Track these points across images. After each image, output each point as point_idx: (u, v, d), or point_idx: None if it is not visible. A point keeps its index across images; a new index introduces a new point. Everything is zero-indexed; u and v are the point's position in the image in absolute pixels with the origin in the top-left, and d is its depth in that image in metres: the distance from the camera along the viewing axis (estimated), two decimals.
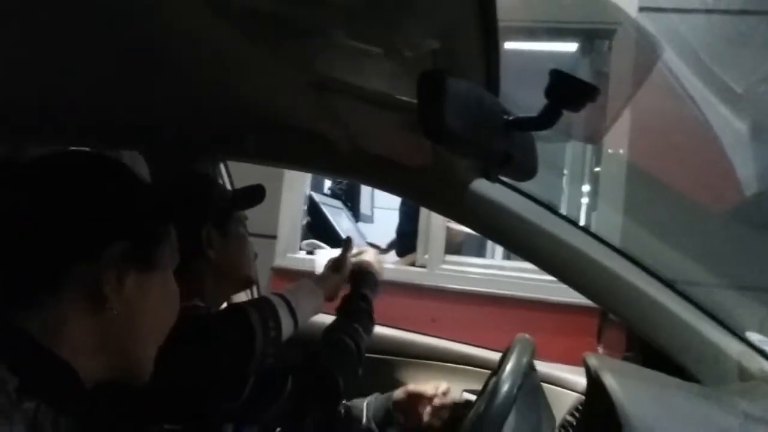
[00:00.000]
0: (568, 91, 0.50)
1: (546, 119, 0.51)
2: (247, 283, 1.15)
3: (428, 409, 1.22)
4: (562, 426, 1.14)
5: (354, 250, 1.30)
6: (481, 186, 1.00)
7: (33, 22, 0.57)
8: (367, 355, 1.37)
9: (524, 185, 1.03)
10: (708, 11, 2.19)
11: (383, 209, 3.69)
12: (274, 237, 2.47)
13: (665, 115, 2.12)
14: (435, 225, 2.28)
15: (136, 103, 0.86)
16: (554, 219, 1.03)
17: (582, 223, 2.50)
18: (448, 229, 2.31)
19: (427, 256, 2.29)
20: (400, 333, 1.51)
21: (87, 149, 0.84)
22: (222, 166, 1.34)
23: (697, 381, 0.93)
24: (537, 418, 0.97)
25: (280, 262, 2.46)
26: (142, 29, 0.58)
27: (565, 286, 1.04)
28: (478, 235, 2.22)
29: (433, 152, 0.87)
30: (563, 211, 2.29)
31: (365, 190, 3.61)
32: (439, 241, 2.27)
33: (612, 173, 2.34)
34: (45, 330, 0.53)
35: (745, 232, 1.82)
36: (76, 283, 0.54)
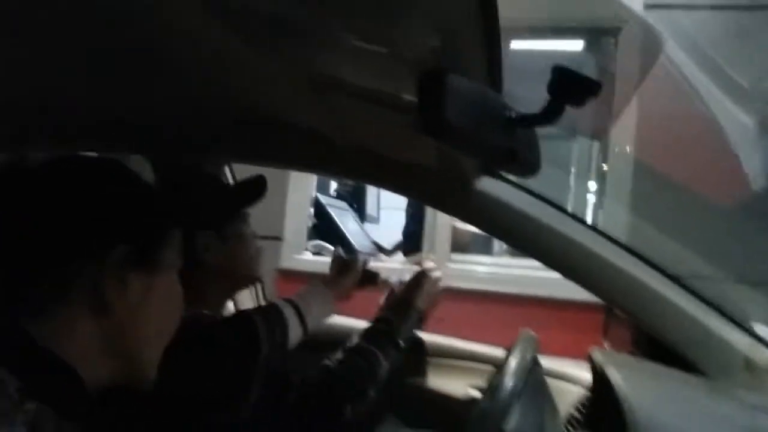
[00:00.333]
0: (570, 87, 0.50)
1: (549, 115, 0.52)
2: (251, 280, 1.13)
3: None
4: (568, 421, 1.14)
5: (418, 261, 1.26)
6: (487, 185, 1.00)
7: (25, 22, 0.57)
8: None
9: (530, 183, 1.03)
10: (713, 7, 2.18)
11: (389, 210, 3.69)
12: (279, 239, 2.48)
13: (672, 112, 2.12)
14: (441, 224, 2.28)
15: (134, 105, 0.86)
16: (560, 216, 1.03)
17: (589, 220, 2.49)
18: (455, 228, 2.31)
19: (433, 256, 2.30)
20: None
21: (90, 153, 0.85)
22: (226, 168, 1.35)
23: (703, 375, 0.93)
24: (541, 413, 0.98)
25: (285, 263, 2.47)
26: (138, 28, 0.58)
27: (570, 283, 1.04)
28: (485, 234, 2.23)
29: (438, 152, 0.88)
30: (570, 208, 2.28)
31: (371, 192, 3.62)
32: (445, 240, 2.27)
33: (619, 170, 2.33)
34: (49, 333, 0.53)
35: (752, 226, 1.81)
36: (80, 287, 0.55)
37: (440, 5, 0.45)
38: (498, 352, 1.35)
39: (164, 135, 1.03)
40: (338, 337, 1.11)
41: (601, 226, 2.28)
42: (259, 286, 1.58)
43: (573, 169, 2.89)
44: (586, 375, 1.17)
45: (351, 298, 1.21)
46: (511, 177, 1.02)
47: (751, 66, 1.94)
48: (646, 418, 0.74)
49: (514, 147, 0.52)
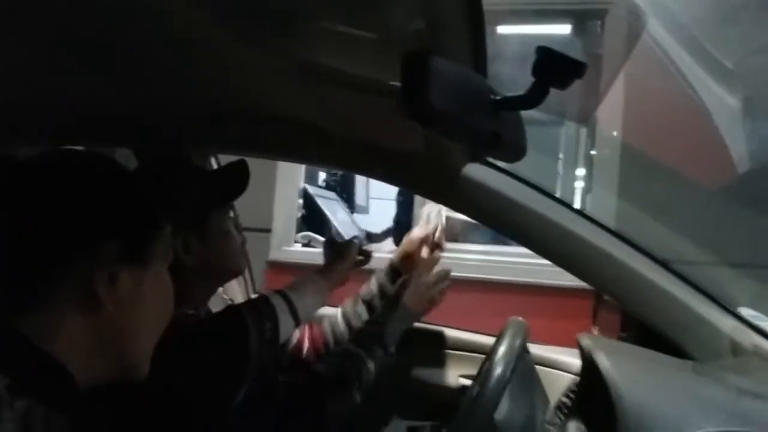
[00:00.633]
0: (554, 69, 0.49)
1: (533, 97, 0.51)
2: (236, 274, 1.11)
3: (423, 251, 1.23)
4: (558, 407, 1.14)
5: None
6: (474, 171, 0.99)
7: (22, 21, 0.56)
8: None
9: (518, 169, 1.03)
10: None
11: (379, 200, 3.68)
12: (268, 230, 2.47)
13: (658, 95, 2.12)
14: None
15: (125, 100, 0.85)
16: (548, 202, 1.02)
17: (578, 205, 2.50)
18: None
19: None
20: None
21: (77, 148, 0.83)
22: (212, 159, 1.33)
23: (691, 359, 0.94)
24: (530, 400, 0.98)
25: (275, 255, 2.46)
26: (129, 24, 0.57)
27: (559, 270, 1.04)
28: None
29: (423, 138, 0.87)
30: (559, 194, 2.29)
31: (360, 182, 3.61)
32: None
33: (606, 155, 2.34)
34: (40, 330, 0.53)
35: (738, 210, 1.83)
36: (70, 284, 0.54)
37: None
38: (488, 340, 1.35)
39: (156, 129, 1.02)
40: None
41: (589, 211, 2.29)
42: (249, 279, 1.56)
43: (561, 155, 2.90)
44: (575, 361, 1.17)
45: (346, 283, 1.18)
46: (499, 162, 1.01)
47: (734, 47, 1.94)
48: (635, 403, 0.74)
49: (498, 131, 0.51)
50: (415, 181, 1.10)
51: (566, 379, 1.26)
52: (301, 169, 2.61)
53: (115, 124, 0.98)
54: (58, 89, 0.80)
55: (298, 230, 2.58)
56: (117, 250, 0.56)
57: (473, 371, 1.25)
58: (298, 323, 0.98)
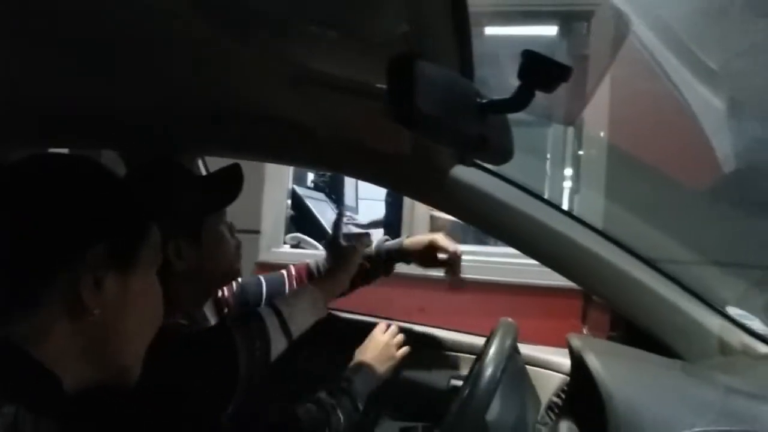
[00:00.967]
0: (540, 72, 0.49)
1: (519, 101, 0.51)
2: (232, 277, 1.10)
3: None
4: (549, 407, 1.15)
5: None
6: (462, 172, 0.99)
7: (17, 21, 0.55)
8: (355, 345, 1.37)
9: (506, 170, 1.03)
10: None
11: (367, 200, 3.68)
12: (257, 232, 2.45)
13: (644, 96, 2.14)
14: (418, 214, 2.28)
15: (110, 98, 0.85)
16: (535, 203, 1.03)
17: (565, 206, 2.51)
18: (433, 218, 2.31)
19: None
20: (386, 322, 1.51)
21: (63, 151, 0.83)
22: (200, 161, 1.32)
23: (680, 358, 0.95)
24: (521, 401, 0.98)
25: (264, 257, 2.44)
26: (116, 23, 0.56)
27: (548, 270, 1.04)
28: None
29: (411, 140, 0.87)
30: (546, 195, 2.30)
31: (349, 182, 3.60)
32: (422, 230, 2.27)
33: (593, 155, 2.35)
34: (27, 336, 0.52)
35: (724, 210, 1.85)
36: (56, 289, 0.53)
37: None
38: (479, 341, 1.35)
39: (146, 131, 1.01)
40: None
41: (576, 212, 2.30)
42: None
43: (548, 156, 2.91)
44: (566, 361, 1.18)
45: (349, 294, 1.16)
46: (486, 164, 1.01)
47: (719, 48, 1.96)
48: (624, 403, 0.74)
49: (485, 134, 0.51)
50: (404, 182, 1.10)
51: (557, 379, 1.27)
52: (290, 170, 2.60)
53: (106, 125, 0.97)
54: (55, 90, 0.79)
55: (287, 231, 2.57)
56: (103, 254, 0.55)
57: (464, 372, 1.26)
58: (290, 340, 0.96)
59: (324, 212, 2.84)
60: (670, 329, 0.97)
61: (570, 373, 1.10)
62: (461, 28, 0.52)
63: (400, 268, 2.40)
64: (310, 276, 1.28)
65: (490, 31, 2.46)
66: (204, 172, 1.34)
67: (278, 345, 0.94)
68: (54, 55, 0.65)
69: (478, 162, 1.01)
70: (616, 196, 2.11)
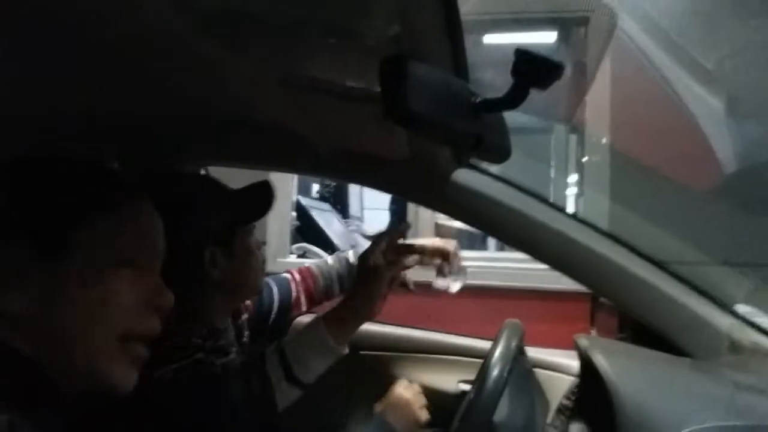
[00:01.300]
0: (533, 69, 0.50)
1: (513, 99, 0.51)
2: (255, 292, 1.10)
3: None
4: (559, 409, 1.14)
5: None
6: (465, 176, 1.00)
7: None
8: (362, 352, 1.37)
9: (511, 175, 1.03)
10: None
11: (372, 210, 3.69)
12: (263, 243, 2.46)
13: (644, 100, 2.14)
14: (423, 221, 2.28)
15: (108, 108, 0.85)
16: (539, 206, 1.03)
17: (571, 210, 2.50)
18: (438, 225, 2.31)
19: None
20: (394, 329, 1.51)
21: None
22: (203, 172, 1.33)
23: (690, 357, 0.94)
24: (530, 402, 0.98)
25: (270, 267, 2.44)
26: (110, 30, 0.57)
27: (556, 274, 1.04)
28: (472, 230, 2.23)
29: (410, 143, 0.87)
30: (552, 200, 2.29)
31: (354, 192, 3.61)
32: (427, 236, 2.26)
33: (596, 160, 2.35)
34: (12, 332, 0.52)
35: (729, 210, 1.84)
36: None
37: None
38: (486, 345, 1.35)
39: (144, 139, 1.02)
40: None
41: (582, 215, 2.29)
42: None
43: (553, 162, 2.91)
44: (575, 364, 1.17)
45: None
46: (492, 168, 1.02)
47: (713, 48, 1.96)
48: (633, 400, 0.74)
49: (480, 132, 0.52)
50: (406, 187, 1.11)
51: (567, 382, 1.26)
52: (294, 181, 2.61)
53: (97, 132, 0.97)
54: (51, 95, 0.79)
55: (293, 242, 2.58)
56: (26, 251, 0.53)
57: (472, 376, 1.25)
58: (303, 387, 0.94)
59: (329, 223, 2.85)
60: (680, 329, 0.96)
61: (579, 375, 1.09)
62: (453, 29, 0.53)
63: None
64: (317, 290, 1.26)
65: (489, 38, 2.47)
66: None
67: (288, 397, 0.93)
68: (52, 59, 0.66)
69: (484, 167, 1.01)
70: (621, 199, 2.11)
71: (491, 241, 2.98)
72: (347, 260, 1.28)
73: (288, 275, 1.29)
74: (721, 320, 0.96)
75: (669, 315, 0.97)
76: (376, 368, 1.43)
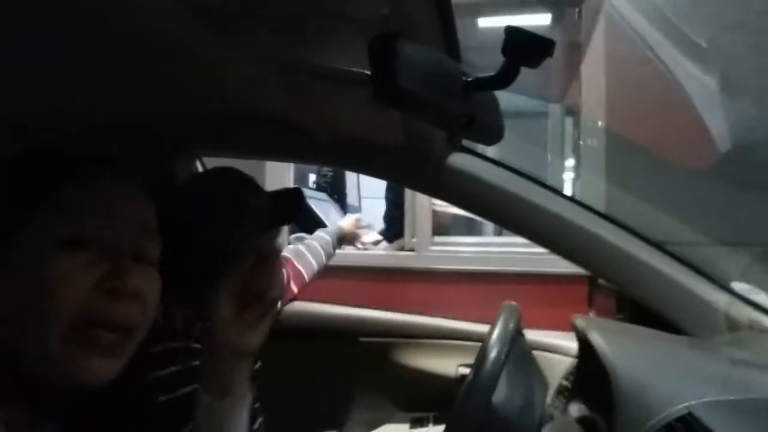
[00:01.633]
0: (523, 47, 0.49)
1: (505, 77, 0.51)
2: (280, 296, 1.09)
3: None
4: (558, 390, 1.15)
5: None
6: (460, 160, 0.99)
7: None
8: (362, 339, 1.38)
9: (509, 160, 1.03)
10: None
11: (370, 199, 3.68)
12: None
13: (639, 81, 2.13)
14: (420, 207, 2.27)
15: (108, 108, 0.85)
16: (536, 189, 1.03)
17: (568, 192, 2.50)
18: (435, 212, 2.31)
19: (414, 240, 2.29)
20: (393, 315, 1.51)
21: None
22: (198, 162, 1.32)
23: (687, 335, 0.94)
24: (529, 383, 0.98)
25: None
26: (110, 30, 0.57)
27: (554, 257, 1.04)
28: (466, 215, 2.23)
29: (404, 128, 0.87)
30: (549, 183, 2.29)
31: (351, 181, 3.61)
32: (425, 223, 2.26)
33: (592, 142, 2.35)
34: None
35: (723, 188, 1.83)
36: None
37: None
38: (485, 329, 1.35)
39: (144, 139, 1.01)
40: None
41: (578, 197, 2.30)
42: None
43: (549, 145, 2.91)
44: (573, 345, 1.18)
45: None
46: (488, 152, 1.01)
47: (705, 24, 1.94)
48: (630, 377, 0.74)
49: (472, 112, 0.51)
50: (402, 173, 1.10)
51: (565, 363, 1.26)
52: (291, 171, 2.60)
53: (88, 125, 0.97)
54: (53, 93, 0.79)
55: (291, 232, 2.58)
56: None
57: (472, 360, 1.25)
58: None
59: (327, 212, 2.85)
60: (677, 307, 0.97)
61: (578, 355, 1.10)
62: (444, 8, 0.52)
63: (404, 262, 2.41)
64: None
65: (484, 21, 2.46)
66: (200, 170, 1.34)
67: None
68: (53, 59, 0.66)
69: (477, 149, 1.01)
70: (617, 181, 2.10)
71: (489, 227, 2.98)
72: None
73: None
74: (718, 298, 0.96)
75: (666, 294, 0.97)
76: (376, 354, 1.43)
